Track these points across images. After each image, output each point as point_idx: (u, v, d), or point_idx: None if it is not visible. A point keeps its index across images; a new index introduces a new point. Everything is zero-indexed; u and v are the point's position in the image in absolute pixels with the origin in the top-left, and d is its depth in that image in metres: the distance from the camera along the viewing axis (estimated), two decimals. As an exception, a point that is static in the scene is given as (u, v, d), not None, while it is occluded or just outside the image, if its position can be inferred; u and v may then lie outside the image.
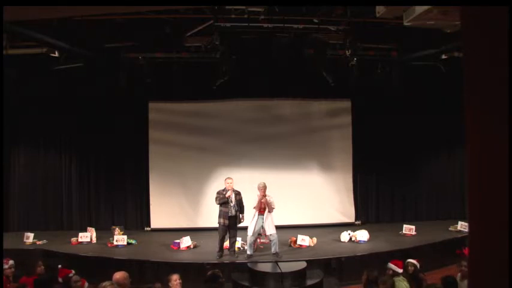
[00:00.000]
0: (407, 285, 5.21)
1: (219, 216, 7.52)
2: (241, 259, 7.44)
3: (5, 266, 5.93)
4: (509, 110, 1.35)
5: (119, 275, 4.54)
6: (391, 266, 5.69)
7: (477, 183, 1.54)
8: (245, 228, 7.66)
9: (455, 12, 2.96)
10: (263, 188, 7.43)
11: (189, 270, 6.98)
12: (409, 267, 5.72)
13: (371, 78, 9.03)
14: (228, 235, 7.61)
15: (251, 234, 7.41)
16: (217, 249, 7.58)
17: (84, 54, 7.92)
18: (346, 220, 10.16)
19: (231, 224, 7.46)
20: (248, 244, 7.51)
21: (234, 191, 7.53)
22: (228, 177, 7.68)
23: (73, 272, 5.81)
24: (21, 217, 9.82)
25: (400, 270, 5.58)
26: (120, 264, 6.84)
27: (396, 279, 5.21)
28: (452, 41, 7.20)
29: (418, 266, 5.81)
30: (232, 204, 7.44)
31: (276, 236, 7.44)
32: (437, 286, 4.49)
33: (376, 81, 9.12)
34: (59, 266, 6.58)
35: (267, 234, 7.58)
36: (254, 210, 7.47)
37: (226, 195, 7.43)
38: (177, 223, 9.82)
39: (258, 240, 8.00)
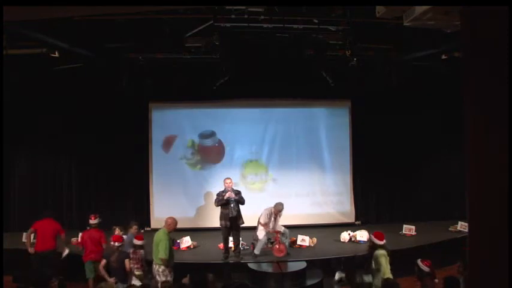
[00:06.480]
0: (387, 256, 5.28)
1: (220, 218, 7.48)
2: (245, 259, 7.42)
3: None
4: (509, 110, 1.35)
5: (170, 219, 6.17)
6: (372, 237, 5.57)
7: (477, 183, 1.54)
8: (247, 229, 7.65)
9: (456, 12, 2.97)
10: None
11: (189, 270, 6.96)
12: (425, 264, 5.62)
13: (371, 78, 9.03)
14: (231, 236, 7.58)
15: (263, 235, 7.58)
16: (222, 250, 7.59)
17: (84, 54, 7.91)
18: (346, 220, 10.17)
19: (232, 225, 7.41)
20: (259, 244, 7.55)
21: (233, 190, 7.50)
22: (226, 178, 7.66)
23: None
24: (21, 217, 9.80)
25: (381, 242, 5.47)
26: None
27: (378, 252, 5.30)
28: (452, 41, 7.18)
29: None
30: (232, 205, 7.36)
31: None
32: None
33: (376, 81, 9.12)
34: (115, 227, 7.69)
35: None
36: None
37: (225, 197, 7.38)
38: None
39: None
